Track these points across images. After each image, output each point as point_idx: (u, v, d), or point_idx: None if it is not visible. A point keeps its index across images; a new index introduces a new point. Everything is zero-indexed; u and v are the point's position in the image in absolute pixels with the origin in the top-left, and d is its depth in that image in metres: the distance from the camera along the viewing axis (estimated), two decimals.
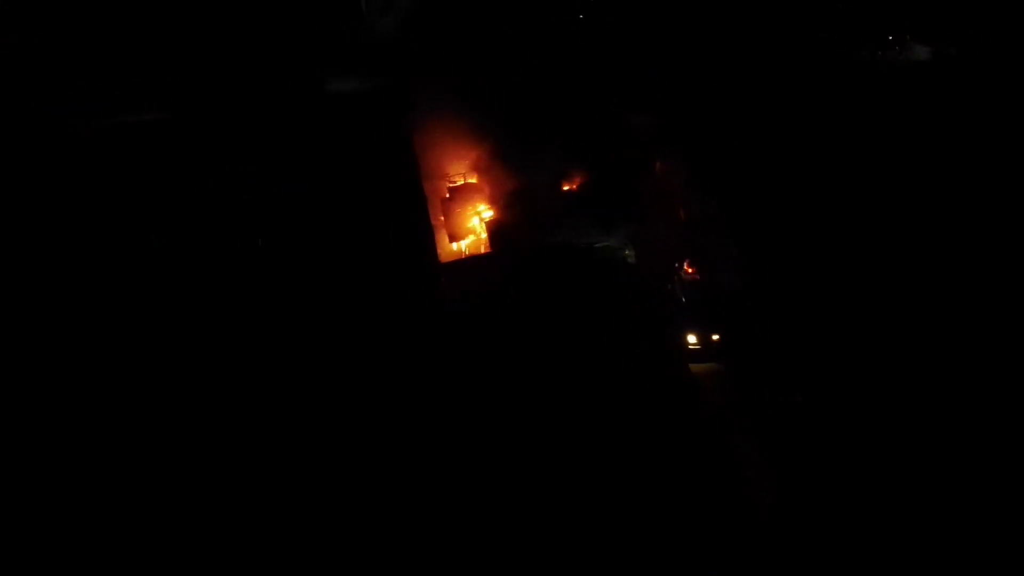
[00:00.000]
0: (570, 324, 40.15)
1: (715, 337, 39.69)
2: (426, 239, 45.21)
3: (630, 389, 36.73)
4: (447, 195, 51.31)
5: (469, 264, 46.71)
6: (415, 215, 46.04)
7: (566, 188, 50.91)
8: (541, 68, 53.75)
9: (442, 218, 50.00)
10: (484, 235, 48.68)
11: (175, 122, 48.75)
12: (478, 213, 49.68)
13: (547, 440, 35.28)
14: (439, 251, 48.51)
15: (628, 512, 32.17)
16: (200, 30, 51.36)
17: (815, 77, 58.68)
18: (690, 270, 42.39)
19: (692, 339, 39.55)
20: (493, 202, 49.73)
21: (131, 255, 43.25)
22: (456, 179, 51.65)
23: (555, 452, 34.77)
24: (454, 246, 49.56)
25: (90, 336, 39.89)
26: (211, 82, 50.18)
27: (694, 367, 39.02)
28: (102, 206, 45.59)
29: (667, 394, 36.87)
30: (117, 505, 33.38)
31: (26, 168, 48.60)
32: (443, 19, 54.33)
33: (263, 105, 50.36)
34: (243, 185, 47.32)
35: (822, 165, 49.75)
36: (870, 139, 52.14)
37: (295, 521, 32.59)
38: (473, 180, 51.74)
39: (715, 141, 52.72)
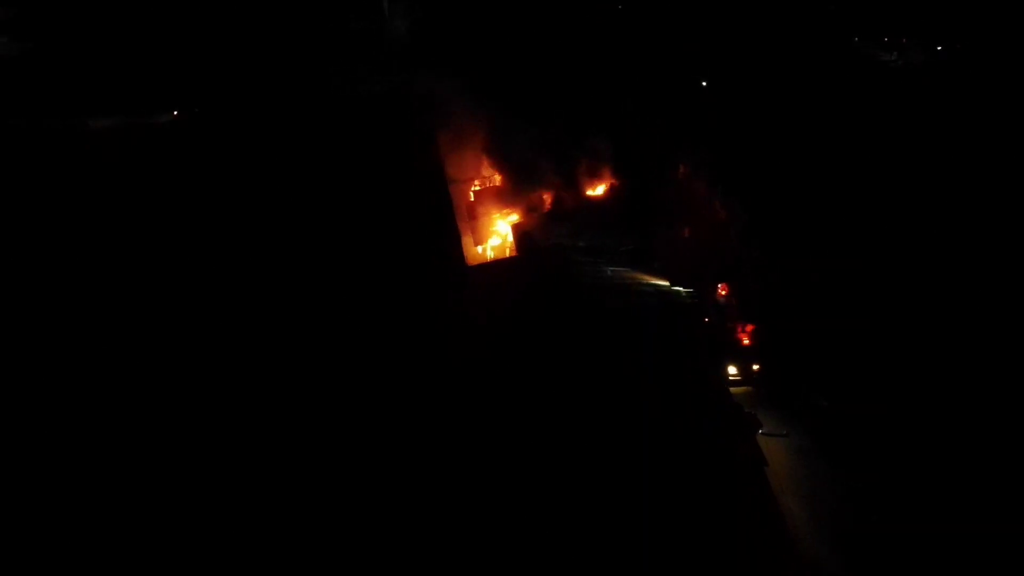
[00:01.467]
0: (596, 336, 40.09)
1: (755, 367, 39.79)
2: (453, 243, 45.23)
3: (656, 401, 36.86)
4: (471, 198, 51.71)
5: (494, 268, 46.80)
6: (442, 218, 46.14)
7: (591, 191, 51.12)
8: (567, 71, 53.96)
9: (467, 221, 50.35)
10: (510, 238, 48.91)
11: (204, 126, 49.40)
12: (503, 216, 49.96)
13: (568, 443, 35.34)
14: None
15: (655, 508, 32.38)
16: (231, 38, 52.02)
17: (833, 77, 58.50)
18: (723, 292, 42.02)
19: (732, 370, 39.61)
20: (518, 205, 50.01)
21: (160, 260, 43.72)
22: (480, 182, 52.09)
23: (577, 453, 34.80)
24: (479, 249, 49.89)
25: (122, 334, 39.94)
26: (240, 87, 50.79)
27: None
28: (135, 209, 46.11)
29: (696, 397, 37.06)
30: (127, 502, 33.14)
31: (31, 170, 48.99)
32: (466, 20, 54.77)
33: (287, 110, 50.93)
34: (273, 188, 47.78)
35: (843, 167, 49.67)
36: (887, 140, 51.98)
37: (329, 513, 32.78)
38: (497, 183, 52.14)
39: (737, 143, 52.72)
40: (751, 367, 39.67)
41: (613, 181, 51.27)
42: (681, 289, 43.10)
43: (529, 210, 49.40)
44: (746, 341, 40.01)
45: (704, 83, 59.98)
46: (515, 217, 49.62)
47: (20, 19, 57.07)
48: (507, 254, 49.17)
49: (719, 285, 42.20)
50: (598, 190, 51.34)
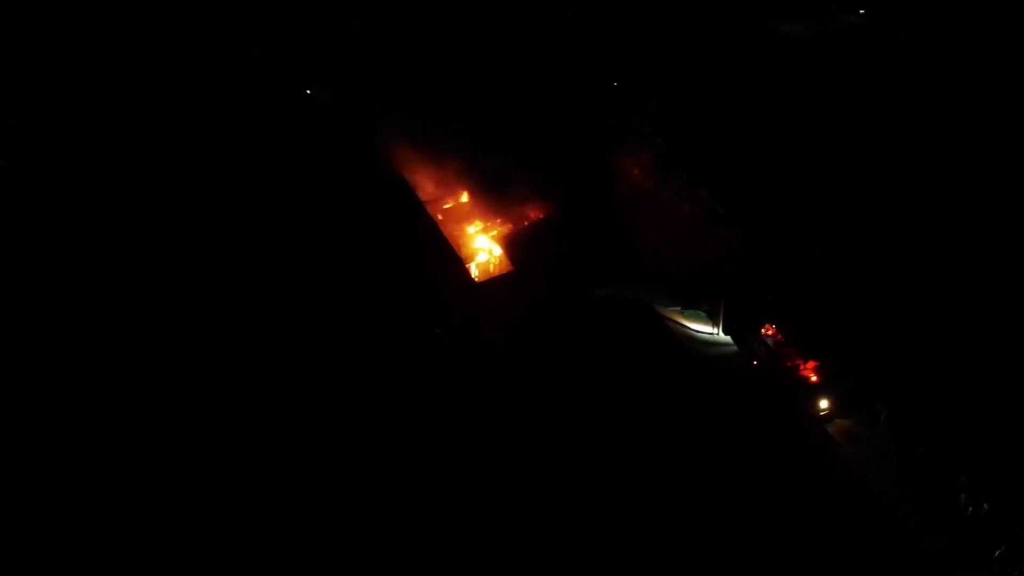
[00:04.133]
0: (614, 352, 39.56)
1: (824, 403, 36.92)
2: (453, 264, 43.08)
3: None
4: (440, 217, 49.49)
5: (492, 285, 44.92)
6: (432, 239, 44.02)
7: (560, 197, 50.09)
8: (521, 74, 53.05)
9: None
10: (496, 253, 47.18)
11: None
12: (482, 232, 48.23)
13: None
14: None
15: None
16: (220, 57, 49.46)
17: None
18: (770, 331, 39.18)
19: (824, 404, 36.32)
20: (493, 219, 48.48)
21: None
22: (449, 200, 50.08)
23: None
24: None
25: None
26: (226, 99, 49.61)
27: None
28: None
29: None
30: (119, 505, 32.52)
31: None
32: (419, 36, 53.26)
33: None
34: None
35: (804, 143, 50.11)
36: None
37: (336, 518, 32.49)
38: (464, 200, 50.30)
39: (693, 132, 52.91)
40: (818, 403, 37.16)
41: (580, 187, 50.59)
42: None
43: (508, 223, 48.05)
44: (812, 378, 37.38)
45: (616, 83, 60.26)
46: (495, 232, 48.04)
47: None
48: (491, 270, 47.38)
49: (764, 327, 39.33)
50: (565, 198, 50.43)
